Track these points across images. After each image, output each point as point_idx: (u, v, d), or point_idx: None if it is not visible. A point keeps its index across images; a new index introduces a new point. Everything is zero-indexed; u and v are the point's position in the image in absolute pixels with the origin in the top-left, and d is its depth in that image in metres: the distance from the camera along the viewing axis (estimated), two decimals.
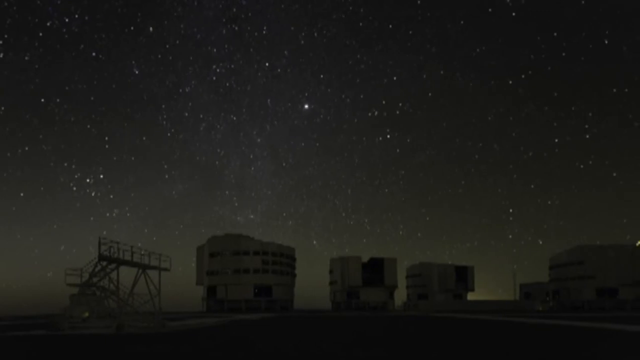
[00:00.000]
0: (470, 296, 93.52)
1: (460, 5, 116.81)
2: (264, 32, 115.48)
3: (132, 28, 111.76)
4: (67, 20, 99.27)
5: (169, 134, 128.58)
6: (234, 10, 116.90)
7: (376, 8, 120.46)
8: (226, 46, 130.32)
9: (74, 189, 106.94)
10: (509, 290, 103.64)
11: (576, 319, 34.50)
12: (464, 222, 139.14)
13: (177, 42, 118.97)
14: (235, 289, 72.26)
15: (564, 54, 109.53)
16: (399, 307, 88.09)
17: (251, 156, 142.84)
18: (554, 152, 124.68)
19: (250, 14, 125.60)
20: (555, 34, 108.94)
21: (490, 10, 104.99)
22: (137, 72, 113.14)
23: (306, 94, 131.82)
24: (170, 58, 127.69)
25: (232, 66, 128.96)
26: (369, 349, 13.74)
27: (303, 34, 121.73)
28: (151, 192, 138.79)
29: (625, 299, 73.46)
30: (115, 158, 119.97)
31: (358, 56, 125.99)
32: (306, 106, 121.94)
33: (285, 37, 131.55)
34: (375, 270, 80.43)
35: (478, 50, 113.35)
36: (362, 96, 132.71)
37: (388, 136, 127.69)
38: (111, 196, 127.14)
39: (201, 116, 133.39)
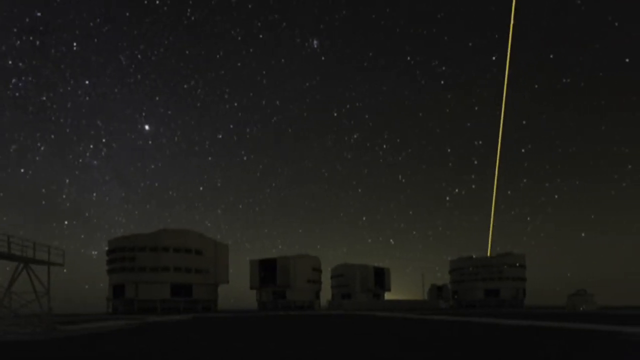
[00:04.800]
0: (387, 296, 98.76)
1: (280, 46, 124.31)
2: (75, 48, 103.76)
3: None
4: None
5: None
6: (27, 21, 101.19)
7: (194, 40, 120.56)
8: (26, 59, 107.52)
9: None
10: (419, 290, 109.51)
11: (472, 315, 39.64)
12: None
13: None
14: (148, 288, 64.26)
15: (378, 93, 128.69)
16: (324, 307, 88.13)
17: (90, 181, 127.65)
18: (383, 170, 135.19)
19: (51, 28, 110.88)
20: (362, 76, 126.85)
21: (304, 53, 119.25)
22: None
23: (144, 115, 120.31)
24: None
25: (41, 82, 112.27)
26: None
27: (126, 53, 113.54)
28: None
29: (504, 298, 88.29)
30: None
31: (192, 82, 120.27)
32: (147, 127, 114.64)
33: (104, 55, 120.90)
34: (269, 271, 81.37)
35: (307, 84, 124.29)
36: (206, 119, 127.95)
37: (245, 158, 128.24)
38: None
39: (6, 136, 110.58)
